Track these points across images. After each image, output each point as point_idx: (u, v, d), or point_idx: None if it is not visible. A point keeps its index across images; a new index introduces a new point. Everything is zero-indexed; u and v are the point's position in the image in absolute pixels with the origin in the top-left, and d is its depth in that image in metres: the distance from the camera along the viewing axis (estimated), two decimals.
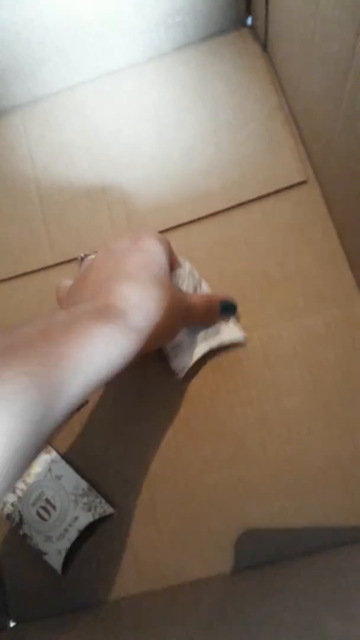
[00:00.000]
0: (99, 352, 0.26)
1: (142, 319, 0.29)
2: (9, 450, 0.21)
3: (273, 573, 0.37)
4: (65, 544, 0.40)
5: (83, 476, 0.42)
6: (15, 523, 0.41)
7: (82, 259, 0.45)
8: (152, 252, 0.35)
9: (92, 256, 0.40)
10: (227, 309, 0.41)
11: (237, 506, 0.40)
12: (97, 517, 0.40)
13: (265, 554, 0.38)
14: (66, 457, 0.42)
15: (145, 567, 0.40)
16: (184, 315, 0.36)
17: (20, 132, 0.51)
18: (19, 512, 0.41)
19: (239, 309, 0.43)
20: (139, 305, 0.30)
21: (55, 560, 0.40)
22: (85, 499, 0.41)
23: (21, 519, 0.41)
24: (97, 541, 0.41)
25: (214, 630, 0.30)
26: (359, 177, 0.35)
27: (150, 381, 0.43)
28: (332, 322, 0.41)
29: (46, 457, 0.42)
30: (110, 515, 0.41)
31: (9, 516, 0.42)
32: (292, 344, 0.42)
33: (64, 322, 0.26)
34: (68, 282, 0.38)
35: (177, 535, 0.40)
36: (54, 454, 0.42)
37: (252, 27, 0.49)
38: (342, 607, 0.27)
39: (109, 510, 0.40)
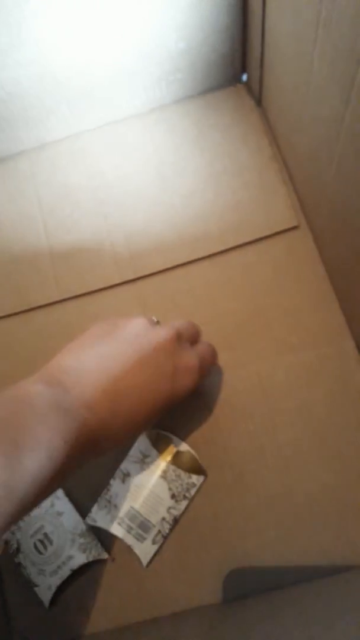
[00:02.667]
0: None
1: None
2: None
3: (266, 601, 0.38)
4: (56, 581, 0.41)
5: (83, 514, 0.43)
6: (13, 550, 0.42)
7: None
8: None
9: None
10: None
11: (235, 535, 0.41)
12: (91, 559, 0.41)
13: (259, 582, 0.40)
14: (69, 495, 0.43)
15: (149, 596, 0.41)
16: None
17: (28, 176, 0.54)
18: (17, 540, 0.42)
19: (239, 344, 0.46)
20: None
21: (45, 594, 0.41)
22: (82, 540, 0.42)
23: (18, 548, 0.42)
24: (98, 571, 0.42)
25: None
26: (349, 225, 0.38)
27: None
28: (325, 358, 0.44)
29: None
30: (104, 560, 0.42)
31: (7, 542, 0.42)
32: (287, 379, 0.44)
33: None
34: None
35: (179, 564, 0.41)
36: (58, 490, 0.43)
37: (247, 84, 0.53)
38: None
39: (104, 555, 0.42)
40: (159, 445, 0.43)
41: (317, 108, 0.37)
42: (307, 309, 0.46)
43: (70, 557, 0.41)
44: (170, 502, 0.41)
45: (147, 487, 0.42)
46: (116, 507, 0.41)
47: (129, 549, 0.41)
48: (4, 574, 0.43)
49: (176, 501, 0.41)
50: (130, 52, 0.46)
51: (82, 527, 0.42)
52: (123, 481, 0.42)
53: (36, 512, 0.42)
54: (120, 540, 0.41)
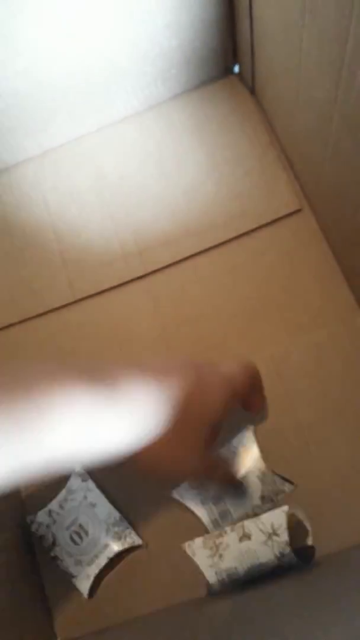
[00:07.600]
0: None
1: None
2: None
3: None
4: (94, 570, 0.42)
5: (115, 506, 0.44)
6: (48, 545, 0.44)
7: None
8: None
9: None
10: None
11: None
12: (126, 546, 0.43)
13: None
14: (101, 487, 0.45)
15: (185, 579, 0.42)
16: None
17: (34, 182, 0.55)
18: (53, 534, 0.44)
19: (251, 329, 0.47)
20: None
21: (83, 584, 0.42)
22: (116, 528, 0.43)
23: (54, 542, 0.44)
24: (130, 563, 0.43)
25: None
26: (349, 203, 0.39)
27: None
28: (336, 336, 0.45)
29: (83, 485, 0.45)
30: (139, 546, 0.43)
31: (42, 538, 0.44)
32: (301, 359, 0.45)
33: None
34: None
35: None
36: (90, 482, 0.45)
37: (240, 74, 0.54)
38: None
39: (138, 541, 0.43)
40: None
41: (309, 91, 0.38)
42: (315, 289, 0.47)
43: (106, 546, 0.42)
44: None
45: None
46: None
47: (161, 535, 0.42)
48: (42, 569, 0.45)
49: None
50: (124, 53, 0.47)
51: (115, 516, 0.43)
52: None
53: (70, 504, 0.44)
54: (152, 526, 0.42)
